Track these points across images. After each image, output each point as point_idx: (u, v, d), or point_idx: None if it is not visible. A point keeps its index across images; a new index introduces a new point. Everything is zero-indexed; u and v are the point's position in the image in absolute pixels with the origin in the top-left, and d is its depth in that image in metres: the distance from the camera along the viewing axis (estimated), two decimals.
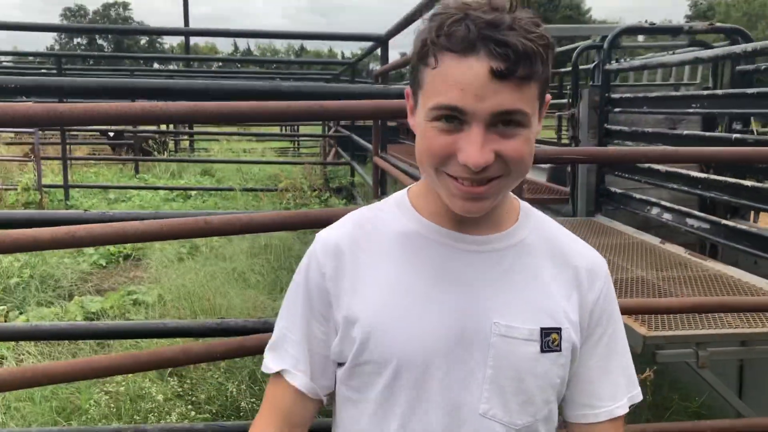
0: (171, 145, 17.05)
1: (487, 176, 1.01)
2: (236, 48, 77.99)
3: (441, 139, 1.01)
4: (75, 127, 13.05)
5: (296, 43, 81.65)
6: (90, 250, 7.08)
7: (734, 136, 3.99)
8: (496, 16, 0.97)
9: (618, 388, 1.23)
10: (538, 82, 1.01)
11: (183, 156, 16.12)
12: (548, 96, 1.09)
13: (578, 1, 59.69)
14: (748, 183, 3.77)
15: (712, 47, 5.65)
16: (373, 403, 1.13)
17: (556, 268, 1.18)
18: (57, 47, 68.84)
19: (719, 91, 4.62)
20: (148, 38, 69.97)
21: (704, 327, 2.88)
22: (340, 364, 1.17)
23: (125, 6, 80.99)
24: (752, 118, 4.53)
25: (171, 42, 74.40)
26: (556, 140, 9.82)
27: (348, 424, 1.18)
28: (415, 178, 4.16)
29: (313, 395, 1.19)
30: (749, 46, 4.02)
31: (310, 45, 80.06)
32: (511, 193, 1.19)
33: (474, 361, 1.09)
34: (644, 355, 3.56)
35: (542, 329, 1.11)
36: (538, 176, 8.91)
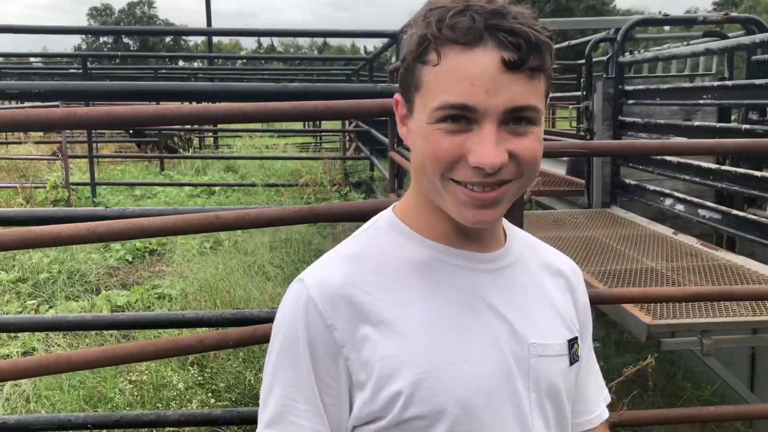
0: (196, 142, 17.31)
1: (500, 179, 0.93)
2: (260, 44, 78.51)
3: (447, 141, 0.92)
4: None
5: (319, 39, 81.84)
6: (117, 245, 7.28)
7: (744, 126, 4.01)
8: (501, 6, 0.91)
9: (599, 390, 1.22)
10: (546, 76, 0.94)
11: (207, 153, 16.36)
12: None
13: None
14: (758, 173, 3.80)
15: (726, 37, 5.65)
16: None
17: (551, 276, 1.14)
18: (84, 46, 69.88)
19: (729, 82, 4.64)
20: (172, 36, 70.78)
21: (709, 315, 2.93)
22: (356, 426, 1.02)
23: (150, 4, 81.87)
24: None
25: (195, 39, 75.09)
26: (574, 132, 9.83)
27: None
28: None
29: None
30: (758, 37, 4.03)
31: (333, 41, 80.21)
32: None
33: (519, 389, 1.01)
34: (646, 349, 3.63)
35: (568, 341, 1.08)
36: (558, 169, 8.96)
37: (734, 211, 3.99)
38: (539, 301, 1.08)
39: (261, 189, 9.83)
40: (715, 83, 4.75)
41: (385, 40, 7.49)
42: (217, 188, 10.91)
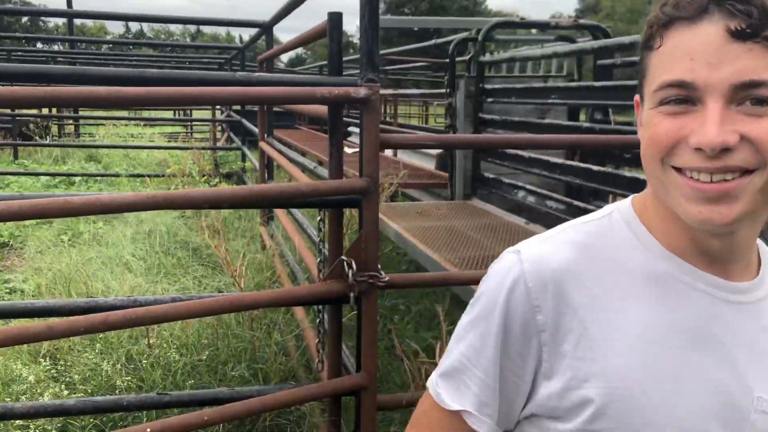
0: (54, 129, 16.33)
1: (730, 165, 0.80)
2: (128, 29, 74.82)
3: (667, 123, 0.84)
4: None
5: (193, 26, 79.10)
6: None
7: (584, 125, 4.37)
8: None
9: None
10: None
11: (68, 141, 15.48)
12: None
13: None
14: (596, 168, 4.16)
15: (575, 42, 6.09)
16: None
17: None
18: None
19: (573, 84, 5.03)
20: (29, 16, 66.01)
21: None
22: (535, 414, 0.96)
23: None
24: (610, 109, 4.96)
25: (56, 21, 70.38)
26: (442, 128, 10.18)
27: None
28: (299, 164, 4.28)
29: None
30: (599, 43, 4.40)
31: (207, 29, 77.88)
32: None
33: None
34: None
35: None
36: (427, 163, 9.27)
37: (576, 202, 4.34)
38: None
39: (125, 180, 9.47)
40: (562, 84, 5.13)
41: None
42: (77, 179, 10.38)
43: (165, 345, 3.54)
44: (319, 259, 2.81)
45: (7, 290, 5.18)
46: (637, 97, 0.95)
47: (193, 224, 6.88)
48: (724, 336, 0.90)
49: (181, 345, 3.57)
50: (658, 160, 0.86)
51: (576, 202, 4.32)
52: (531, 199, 4.92)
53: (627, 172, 3.78)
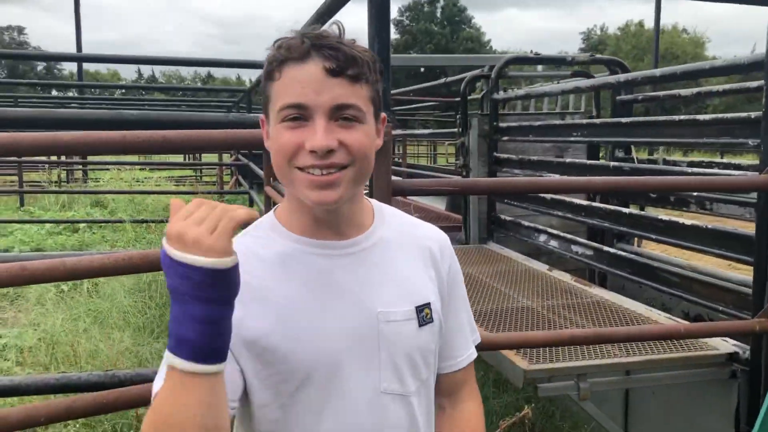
0: (63, 175, 16.21)
1: (334, 163, 1.12)
2: (140, 74, 75.79)
3: (288, 135, 1.13)
4: None
5: (202, 71, 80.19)
6: None
7: (612, 164, 4.05)
8: (324, 32, 1.16)
9: (467, 338, 1.45)
10: (367, 84, 1.16)
11: (75, 187, 15.31)
12: (383, 114, 1.26)
13: (478, 34, 61.58)
14: (626, 210, 3.83)
15: (593, 77, 5.81)
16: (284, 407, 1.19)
17: (414, 252, 1.33)
18: None
19: (597, 120, 4.72)
20: (45, 64, 67.15)
21: (585, 357, 2.85)
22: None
23: (20, 30, 77.20)
24: (632, 146, 4.65)
25: (72, 68, 71.35)
26: (452, 168, 9.89)
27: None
28: None
29: None
30: (623, 77, 4.11)
31: (218, 73, 78.86)
32: (365, 197, 1.33)
33: (369, 349, 1.22)
34: (526, 389, 3.51)
35: (416, 308, 1.28)
36: (438, 204, 8.89)
37: (605, 248, 4.00)
38: (392, 277, 1.27)
39: (129, 226, 9.21)
40: (585, 121, 4.82)
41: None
42: (81, 225, 10.14)
43: None
44: None
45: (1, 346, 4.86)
46: (262, 116, 1.24)
47: None
48: (344, 280, 1.22)
49: None
50: (286, 163, 1.15)
51: (605, 248, 3.98)
52: (554, 243, 4.58)
53: (663, 216, 3.43)
